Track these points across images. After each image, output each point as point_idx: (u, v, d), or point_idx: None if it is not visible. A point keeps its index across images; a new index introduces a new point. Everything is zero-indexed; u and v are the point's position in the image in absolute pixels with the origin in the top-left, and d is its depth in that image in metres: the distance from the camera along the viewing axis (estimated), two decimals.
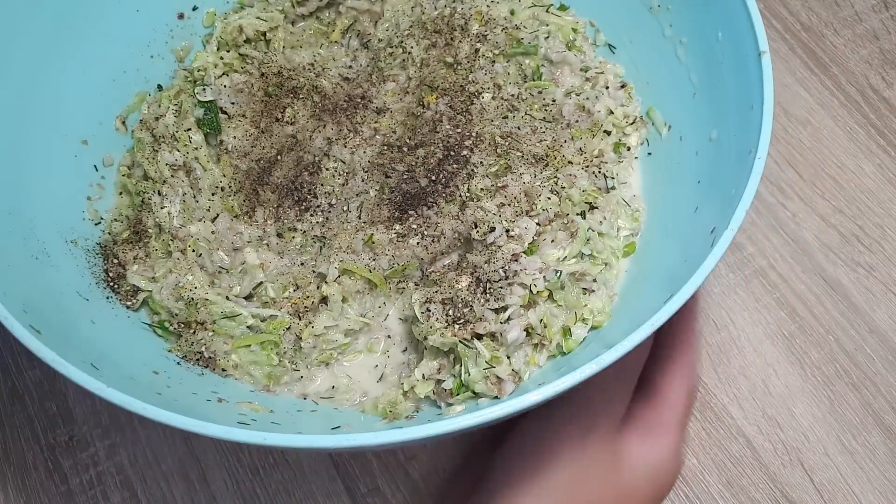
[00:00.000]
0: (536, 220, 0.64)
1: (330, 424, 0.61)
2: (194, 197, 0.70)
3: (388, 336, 0.68)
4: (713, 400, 0.76)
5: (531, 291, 0.61)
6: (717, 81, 0.64)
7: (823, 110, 0.89)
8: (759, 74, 0.57)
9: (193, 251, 0.67)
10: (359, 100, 0.74)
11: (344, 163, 0.71)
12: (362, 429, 0.60)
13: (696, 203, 0.63)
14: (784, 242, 0.82)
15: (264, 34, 0.77)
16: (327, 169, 0.71)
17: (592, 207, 0.68)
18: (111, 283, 0.66)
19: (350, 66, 0.78)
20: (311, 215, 0.70)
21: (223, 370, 0.64)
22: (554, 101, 0.73)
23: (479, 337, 0.60)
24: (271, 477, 0.74)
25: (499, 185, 0.66)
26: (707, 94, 0.66)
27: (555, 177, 0.68)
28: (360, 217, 0.69)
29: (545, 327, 0.61)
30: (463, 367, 0.60)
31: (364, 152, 0.71)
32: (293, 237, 0.69)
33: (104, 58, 0.71)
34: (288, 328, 0.65)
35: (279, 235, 0.70)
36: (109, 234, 0.69)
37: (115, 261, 0.67)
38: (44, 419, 0.76)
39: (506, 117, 0.72)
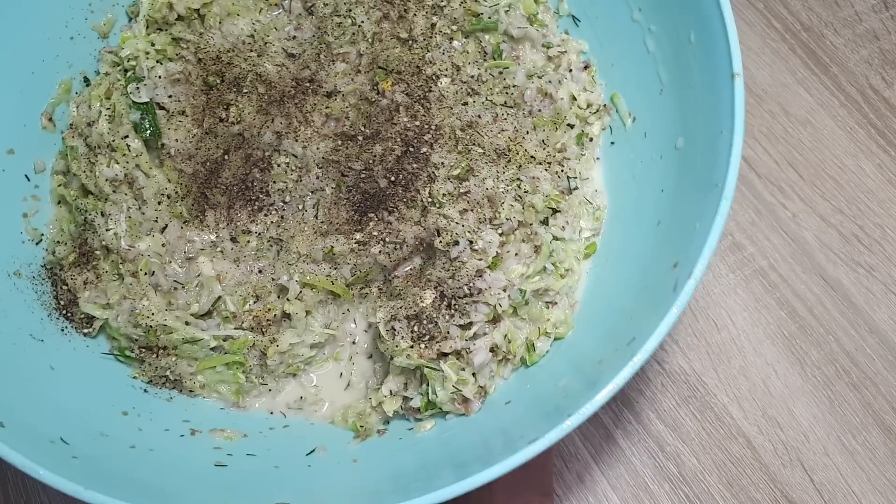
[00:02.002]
0: (500, 231, 0.64)
1: (305, 447, 0.61)
2: (140, 209, 0.65)
3: (353, 342, 0.67)
4: (713, 400, 0.76)
5: (496, 310, 0.61)
6: (686, 86, 0.61)
7: (823, 110, 0.89)
8: (730, 97, 0.53)
9: (145, 273, 0.63)
10: (307, 84, 0.68)
11: (296, 157, 0.67)
12: (335, 451, 0.61)
13: (659, 217, 0.61)
14: (784, 242, 0.82)
15: (197, 10, 0.69)
16: (278, 164, 0.66)
17: (555, 211, 0.66)
18: (64, 311, 0.63)
19: (294, 37, 0.71)
20: (266, 215, 0.66)
21: (191, 391, 0.63)
22: (515, 84, 0.69)
23: (445, 356, 0.60)
24: None
25: (461, 190, 0.64)
26: (675, 96, 0.63)
27: (517, 178, 0.66)
28: (317, 216, 0.66)
29: (509, 342, 0.62)
30: (430, 388, 0.60)
31: (317, 148, 0.66)
32: (248, 241, 0.65)
33: (18, 49, 0.64)
34: (252, 346, 0.63)
35: (233, 240, 0.66)
36: (54, 255, 0.65)
37: (65, 287, 0.63)
38: None
39: (465, 103, 0.68)
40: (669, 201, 0.61)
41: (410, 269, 0.65)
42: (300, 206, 0.66)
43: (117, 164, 0.65)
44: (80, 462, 0.50)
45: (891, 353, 0.77)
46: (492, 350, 0.61)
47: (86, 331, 0.64)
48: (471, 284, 0.61)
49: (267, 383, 0.65)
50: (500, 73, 0.70)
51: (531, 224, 0.65)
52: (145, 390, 0.63)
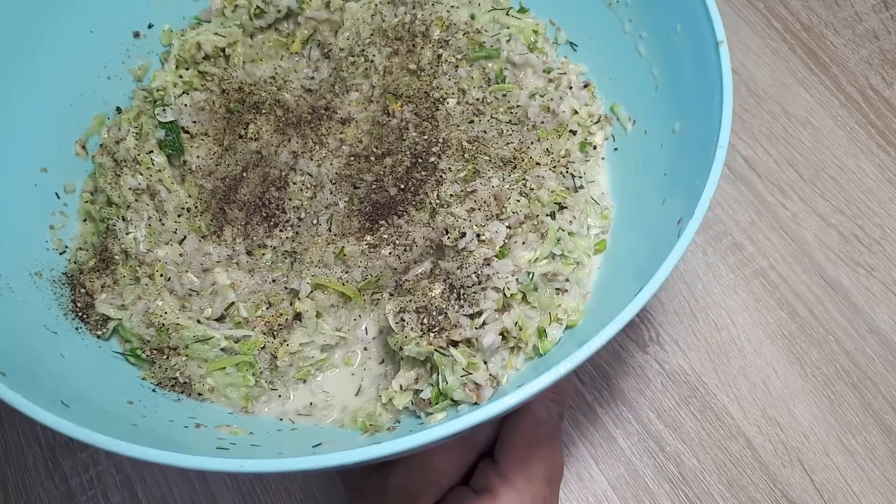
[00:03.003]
0: (507, 223, 0.64)
1: (311, 442, 0.60)
2: (160, 220, 0.68)
3: (365, 348, 0.67)
4: (713, 400, 0.76)
5: (505, 295, 0.61)
6: (678, 73, 0.65)
7: (823, 110, 0.89)
8: (717, 64, 0.57)
9: (161, 275, 0.65)
10: (323, 111, 0.73)
11: (311, 176, 0.70)
12: (343, 444, 0.60)
13: (664, 196, 0.63)
14: (784, 242, 0.82)
15: (223, 50, 0.76)
16: (294, 183, 0.69)
17: (562, 207, 0.67)
18: (79, 314, 0.64)
19: (312, 78, 0.77)
20: (281, 231, 0.68)
21: (199, 394, 0.63)
22: (519, 104, 0.73)
23: (455, 344, 0.60)
24: (271, 476, 0.74)
25: (468, 189, 0.66)
26: (669, 87, 0.66)
27: (523, 179, 0.67)
28: (330, 230, 0.68)
29: (520, 330, 0.61)
30: (440, 376, 0.59)
31: (331, 164, 0.70)
32: (263, 254, 0.68)
33: (58, 82, 0.69)
34: (262, 347, 0.64)
35: (249, 253, 0.68)
36: (75, 262, 0.67)
37: (83, 290, 0.65)
38: None
39: (472, 122, 0.71)
40: (672, 180, 0.63)
41: (421, 272, 0.65)
42: (314, 222, 0.69)
43: (141, 175, 0.68)
44: (77, 416, 0.49)
45: (891, 353, 0.77)
46: (502, 336, 0.61)
47: (99, 332, 0.64)
48: (479, 272, 0.61)
49: (277, 388, 0.65)
50: (504, 95, 0.73)
51: (537, 216, 0.65)
52: (154, 390, 0.63)
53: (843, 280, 0.80)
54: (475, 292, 0.60)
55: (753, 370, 0.77)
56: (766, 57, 0.91)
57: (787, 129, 0.88)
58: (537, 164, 0.69)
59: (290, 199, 0.69)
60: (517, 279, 0.61)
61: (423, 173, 0.67)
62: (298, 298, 0.65)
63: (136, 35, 0.75)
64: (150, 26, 0.76)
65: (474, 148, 0.69)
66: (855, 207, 0.84)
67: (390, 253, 0.65)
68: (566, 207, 0.67)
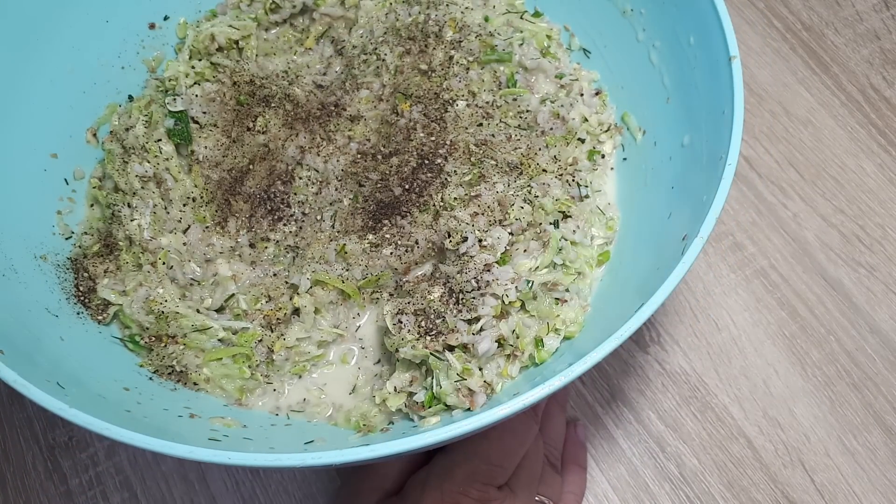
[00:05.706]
0: (509, 230, 0.64)
1: (304, 438, 0.60)
2: (165, 208, 0.68)
3: (362, 347, 0.68)
4: (714, 400, 0.76)
5: (503, 302, 0.61)
6: (689, 86, 0.64)
7: (824, 110, 0.89)
8: (729, 79, 0.57)
9: (164, 263, 0.66)
10: (332, 107, 0.73)
11: (317, 171, 0.70)
12: (336, 442, 0.60)
13: (670, 209, 0.63)
14: (785, 242, 0.82)
15: (237, 42, 0.77)
16: (300, 178, 0.70)
17: (566, 216, 0.67)
18: (81, 298, 0.65)
19: (324, 74, 0.77)
20: (284, 225, 0.69)
21: (195, 384, 0.64)
22: (528, 109, 0.72)
23: (451, 349, 0.60)
24: (271, 477, 0.74)
25: (472, 193, 0.66)
26: (680, 99, 0.66)
27: (528, 185, 0.67)
28: (333, 226, 0.68)
29: (517, 338, 0.61)
30: (434, 380, 0.59)
31: (338, 161, 0.70)
32: (266, 247, 0.68)
33: (73, 70, 0.71)
34: (260, 340, 0.64)
35: (252, 246, 0.68)
36: (80, 247, 0.68)
37: (86, 274, 0.66)
38: (43, 419, 0.76)
39: (480, 125, 0.71)
40: (679, 194, 0.63)
41: (421, 274, 0.65)
42: (318, 217, 0.69)
43: (148, 163, 0.69)
44: (71, 398, 0.49)
45: (892, 354, 0.77)
46: (499, 343, 0.61)
47: (100, 317, 0.65)
48: (478, 277, 0.61)
49: (272, 382, 0.65)
50: (514, 99, 0.73)
51: (540, 223, 0.65)
52: (150, 378, 0.63)
53: (844, 280, 0.80)
54: (474, 298, 0.60)
55: (754, 370, 0.77)
56: (767, 56, 0.91)
57: (788, 128, 0.88)
58: (544, 171, 0.69)
59: (295, 194, 0.69)
60: (516, 287, 0.61)
61: (429, 175, 0.67)
62: (298, 293, 0.65)
63: (152, 26, 0.76)
64: (165, 18, 0.77)
65: (481, 152, 0.69)
66: (856, 207, 0.84)
67: (391, 253, 0.65)
68: (570, 216, 0.67)
